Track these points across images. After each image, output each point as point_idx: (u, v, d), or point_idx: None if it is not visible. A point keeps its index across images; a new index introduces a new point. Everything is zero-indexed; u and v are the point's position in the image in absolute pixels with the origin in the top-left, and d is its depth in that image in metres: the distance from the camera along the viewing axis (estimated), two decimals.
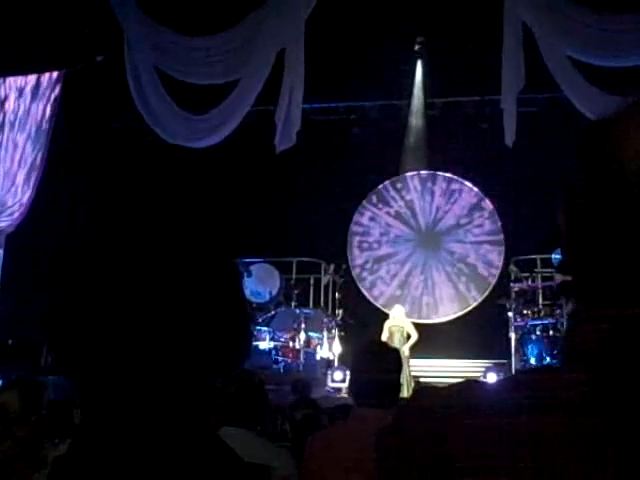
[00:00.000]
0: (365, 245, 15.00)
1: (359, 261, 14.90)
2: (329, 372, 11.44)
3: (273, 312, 12.28)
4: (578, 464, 0.64)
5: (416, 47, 12.54)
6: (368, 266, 14.89)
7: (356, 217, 14.99)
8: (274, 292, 12.38)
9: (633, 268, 0.70)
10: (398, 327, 11.01)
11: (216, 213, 12.80)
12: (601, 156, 0.73)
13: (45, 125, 11.16)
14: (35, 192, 11.00)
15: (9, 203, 10.95)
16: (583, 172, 0.75)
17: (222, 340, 0.83)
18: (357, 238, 15.02)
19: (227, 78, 10.26)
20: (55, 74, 11.20)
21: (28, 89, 11.16)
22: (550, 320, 11.31)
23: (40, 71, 11.08)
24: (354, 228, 15.00)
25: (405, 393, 9.13)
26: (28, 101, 11.16)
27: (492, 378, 10.61)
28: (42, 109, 11.20)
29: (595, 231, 0.73)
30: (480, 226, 14.57)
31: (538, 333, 11.39)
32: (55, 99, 11.19)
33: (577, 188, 0.75)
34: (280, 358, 11.72)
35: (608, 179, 0.71)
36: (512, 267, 12.37)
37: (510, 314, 11.86)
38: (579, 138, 0.77)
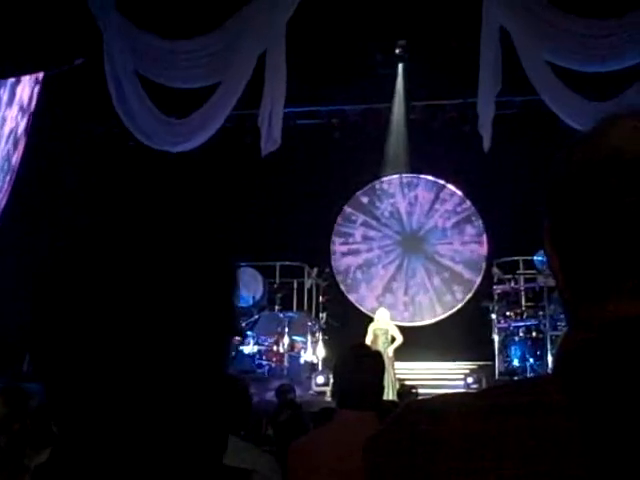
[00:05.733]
0: (348, 249, 15.01)
1: (342, 265, 14.92)
2: (313, 375, 11.44)
3: (257, 316, 12.25)
4: (555, 464, 0.66)
5: (397, 50, 12.58)
6: (351, 270, 14.91)
7: (338, 221, 15.01)
8: (257, 296, 12.36)
9: (619, 267, 0.71)
10: (383, 330, 11.02)
11: (198, 217, 12.77)
12: (587, 161, 0.74)
13: (22, 129, 11.08)
14: (10, 197, 10.91)
15: None
16: (569, 174, 0.76)
17: (208, 349, 0.82)
18: (340, 242, 15.03)
19: (208, 82, 10.23)
20: (34, 77, 11.12)
21: (5, 92, 11.08)
22: (533, 322, 11.38)
23: (18, 74, 11.00)
24: (336, 232, 15.01)
25: (390, 396, 9.15)
26: (4, 104, 11.07)
27: (470, 381, 10.77)
28: (20, 112, 11.12)
29: (582, 231, 0.74)
30: (462, 228, 14.63)
31: (521, 335, 11.45)
32: (34, 103, 11.12)
33: (563, 186, 0.76)
34: (264, 362, 11.71)
35: (595, 182, 0.72)
36: (495, 269, 12.43)
37: (493, 316, 11.92)
38: (568, 147, 0.78)
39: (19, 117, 11.15)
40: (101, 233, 0.83)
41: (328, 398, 9.76)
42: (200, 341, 0.80)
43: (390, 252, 14.89)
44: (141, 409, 0.77)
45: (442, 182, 14.72)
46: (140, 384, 0.76)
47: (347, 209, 15.06)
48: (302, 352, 12.24)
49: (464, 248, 14.63)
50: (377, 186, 15.08)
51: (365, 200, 15.13)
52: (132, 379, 0.76)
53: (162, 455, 0.77)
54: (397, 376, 10.69)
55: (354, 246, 15.12)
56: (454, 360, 12.48)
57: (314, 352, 12.37)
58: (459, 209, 14.73)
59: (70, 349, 0.77)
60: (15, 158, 11.01)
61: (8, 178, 10.96)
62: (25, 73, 11.07)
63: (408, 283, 14.67)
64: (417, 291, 14.62)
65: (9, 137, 11.07)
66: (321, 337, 12.61)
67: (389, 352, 10.54)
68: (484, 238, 14.36)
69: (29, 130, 11.19)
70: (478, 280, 14.11)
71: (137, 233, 0.84)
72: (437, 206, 14.91)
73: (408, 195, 15.08)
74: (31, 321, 0.80)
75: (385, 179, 14.92)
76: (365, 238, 15.12)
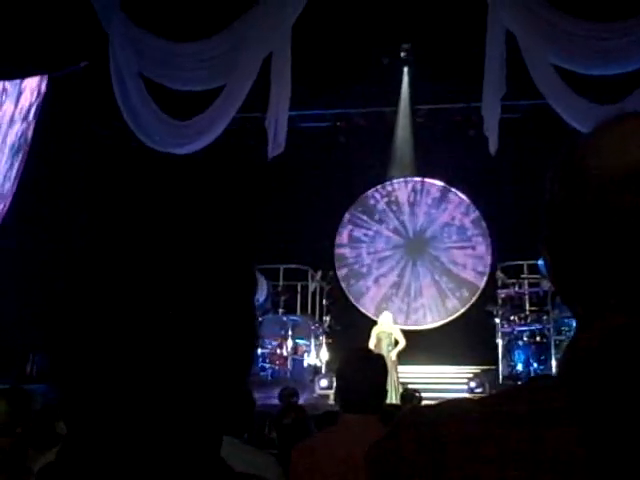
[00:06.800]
0: (352, 252, 14.80)
1: (346, 268, 14.73)
2: (316, 379, 11.44)
3: (260, 319, 12.24)
4: (559, 472, 0.65)
5: (402, 54, 12.60)
6: (355, 273, 14.72)
7: (342, 224, 14.82)
8: (261, 299, 12.35)
9: (617, 276, 0.71)
10: (386, 333, 11.01)
11: (202, 219, 12.77)
12: (582, 167, 0.74)
13: (27, 131, 11.10)
14: (14, 198, 10.94)
15: None
16: (564, 183, 0.75)
17: (227, 356, 0.80)
18: (344, 245, 14.86)
19: (212, 84, 10.24)
20: (39, 79, 11.15)
21: (11, 93, 11.10)
22: (537, 326, 11.37)
23: (24, 76, 11.03)
24: (341, 235, 14.85)
25: (393, 399, 9.14)
26: (10, 106, 11.10)
27: (473, 385, 10.76)
28: (25, 114, 11.15)
29: (579, 240, 0.73)
30: (467, 232, 14.46)
31: (525, 339, 11.44)
32: (38, 104, 11.14)
33: (559, 199, 0.76)
34: (268, 365, 11.72)
35: (589, 189, 0.72)
36: (499, 273, 12.41)
37: (497, 320, 11.91)
38: (563, 152, 0.78)
39: (23, 119, 11.18)
40: (124, 235, 0.83)
41: (331, 401, 9.76)
42: (223, 349, 0.79)
43: (394, 256, 14.32)
44: (159, 415, 0.76)
45: (446, 186, 14.42)
46: (159, 390, 0.75)
47: (351, 212, 14.56)
48: (306, 355, 12.25)
49: (468, 252, 13.94)
50: (381, 190, 14.60)
51: (369, 204, 14.58)
52: (151, 384, 0.75)
53: (171, 462, 0.76)
54: (400, 380, 10.69)
55: (358, 250, 14.26)
56: (457, 364, 12.44)
57: (317, 355, 12.38)
58: (463, 212, 14.23)
59: (90, 350, 0.76)
60: (20, 160, 11.04)
61: (14, 179, 10.99)
62: (31, 75, 11.10)
63: (412, 287, 14.10)
64: (421, 294, 13.81)
65: (15, 139, 11.11)
66: (324, 340, 12.62)
67: (392, 356, 10.53)
68: (488, 242, 14.15)
69: (33, 131, 11.21)
70: (482, 284, 14.03)
71: (160, 235, 0.84)
72: (441, 210, 14.15)
73: (412, 199, 14.14)
74: (53, 321, 0.79)
75: (390, 183, 14.49)
76: (369, 242, 14.28)
